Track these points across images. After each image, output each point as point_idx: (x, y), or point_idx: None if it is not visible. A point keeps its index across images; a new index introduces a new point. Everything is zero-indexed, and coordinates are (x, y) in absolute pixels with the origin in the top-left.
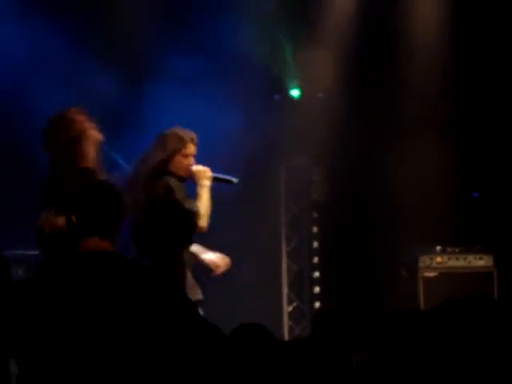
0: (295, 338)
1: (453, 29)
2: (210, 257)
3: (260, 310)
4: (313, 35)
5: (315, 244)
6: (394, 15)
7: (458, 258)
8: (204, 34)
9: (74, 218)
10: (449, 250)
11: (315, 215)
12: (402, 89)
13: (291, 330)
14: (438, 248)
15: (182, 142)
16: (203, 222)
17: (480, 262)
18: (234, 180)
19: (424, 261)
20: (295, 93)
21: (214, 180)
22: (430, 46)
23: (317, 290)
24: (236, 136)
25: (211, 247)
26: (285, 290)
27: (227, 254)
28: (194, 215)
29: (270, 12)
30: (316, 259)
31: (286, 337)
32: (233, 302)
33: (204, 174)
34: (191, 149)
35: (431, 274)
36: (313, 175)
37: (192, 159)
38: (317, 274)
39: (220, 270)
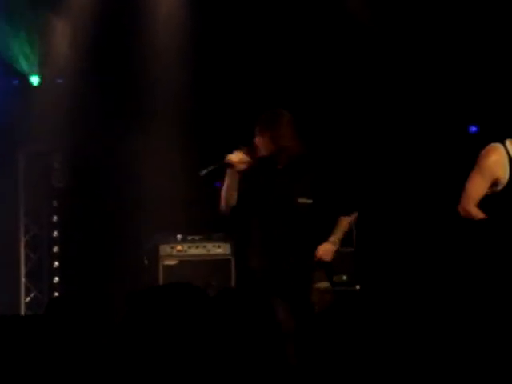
0: None
1: (194, 27)
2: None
3: None
4: (53, 22)
5: (55, 233)
6: (135, 7)
7: (197, 246)
8: None
9: None
10: (189, 238)
11: (55, 204)
12: (144, 82)
13: None
14: (179, 237)
15: None
16: (220, 206)
17: (218, 249)
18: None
19: (164, 249)
20: (35, 79)
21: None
22: (172, 41)
23: (56, 279)
24: None
25: None
26: (22, 279)
27: None
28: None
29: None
30: (56, 248)
31: None
32: None
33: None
34: None
35: (172, 262)
36: (53, 163)
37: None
38: (56, 263)
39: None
